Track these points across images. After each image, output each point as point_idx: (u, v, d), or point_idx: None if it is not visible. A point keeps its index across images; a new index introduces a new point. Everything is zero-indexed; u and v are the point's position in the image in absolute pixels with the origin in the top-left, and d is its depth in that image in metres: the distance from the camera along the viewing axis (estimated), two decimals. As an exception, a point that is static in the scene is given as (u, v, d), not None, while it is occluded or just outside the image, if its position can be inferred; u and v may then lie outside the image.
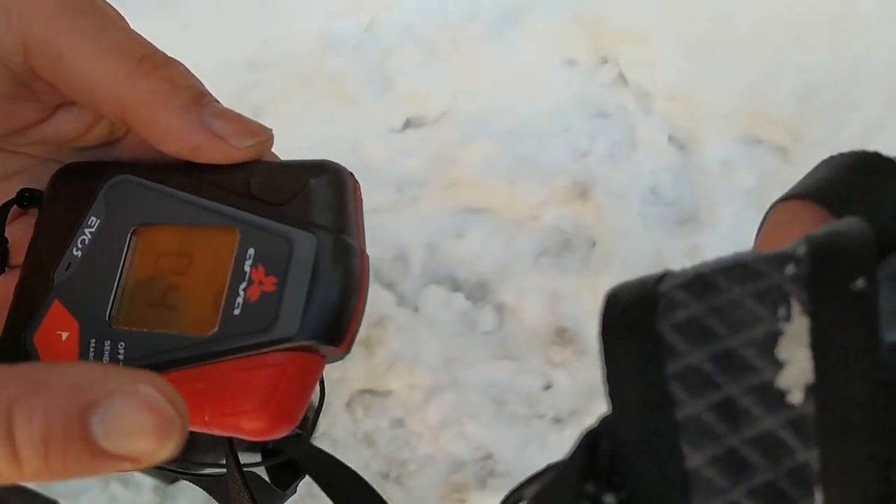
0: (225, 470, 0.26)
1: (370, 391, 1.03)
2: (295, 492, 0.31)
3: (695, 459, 0.14)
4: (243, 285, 0.22)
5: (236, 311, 0.22)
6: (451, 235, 1.10)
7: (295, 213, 0.22)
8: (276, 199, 0.22)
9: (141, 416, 0.16)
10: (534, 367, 1.02)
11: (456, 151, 1.09)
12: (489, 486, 0.97)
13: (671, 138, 1.09)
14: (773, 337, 0.14)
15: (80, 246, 0.24)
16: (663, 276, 0.15)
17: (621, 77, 1.11)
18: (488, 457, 0.98)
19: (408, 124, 1.11)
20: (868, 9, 1.07)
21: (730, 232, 1.03)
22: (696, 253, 1.02)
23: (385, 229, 1.09)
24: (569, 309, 1.03)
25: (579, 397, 1.00)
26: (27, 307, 0.24)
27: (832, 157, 0.22)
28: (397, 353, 1.03)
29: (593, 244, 1.07)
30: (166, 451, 0.17)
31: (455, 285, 1.07)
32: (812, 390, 0.13)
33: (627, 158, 1.09)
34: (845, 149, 0.21)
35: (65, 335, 0.23)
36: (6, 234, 0.26)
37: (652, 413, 0.14)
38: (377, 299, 1.01)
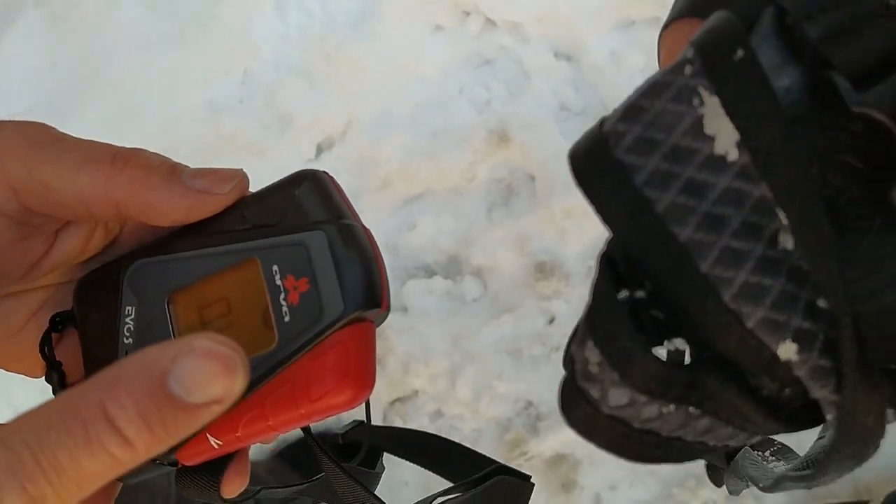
0: (320, 475, 0.29)
1: (398, 399, 1.06)
2: (384, 468, 0.34)
3: (684, 233, 0.17)
4: (282, 296, 0.24)
5: (287, 319, 0.24)
6: (405, 229, 1.13)
7: (295, 222, 0.25)
8: (274, 220, 0.25)
9: (207, 364, 0.19)
10: (531, 309, 1.06)
11: (374, 154, 1.12)
12: (541, 429, 1.01)
13: (557, 54, 1.13)
14: (698, 121, 0.17)
15: (127, 334, 0.26)
16: (602, 121, 0.18)
17: (488, 21, 1.15)
18: (529, 405, 1.03)
19: (320, 149, 1.14)
20: None
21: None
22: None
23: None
24: (538, 244, 1.07)
25: (582, 316, 1.05)
26: None
27: None
28: (407, 354, 1.06)
29: (532, 179, 1.11)
30: (239, 383, 0.19)
31: (429, 271, 1.10)
32: (741, 144, 0.17)
33: (527, 90, 1.13)
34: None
35: None
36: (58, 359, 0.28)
37: (639, 218, 0.17)
38: (366, 316, 1.04)
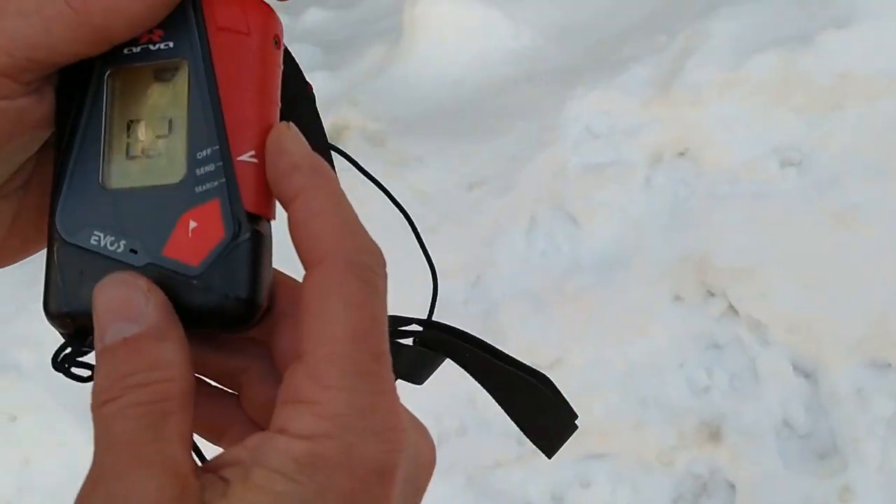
0: None
1: None
2: None
3: None
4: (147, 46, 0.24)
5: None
6: (577, 485, 1.06)
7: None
8: None
9: None
10: None
11: (574, 399, 1.08)
12: None
13: (796, 368, 1.06)
14: None
15: None
16: None
17: (731, 308, 1.11)
18: None
19: (522, 375, 1.11)
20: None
21: (881, 466, 0.98)
22: (848, 494, 0.96)
23: (510, 483, 1.06)
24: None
25: None
26: None
27: None
28: None
29: (733, 487, 1.02)
30: None
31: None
32: None
33: (752, 391, 1.06)
34: None
35: None
36: None
37: None
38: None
